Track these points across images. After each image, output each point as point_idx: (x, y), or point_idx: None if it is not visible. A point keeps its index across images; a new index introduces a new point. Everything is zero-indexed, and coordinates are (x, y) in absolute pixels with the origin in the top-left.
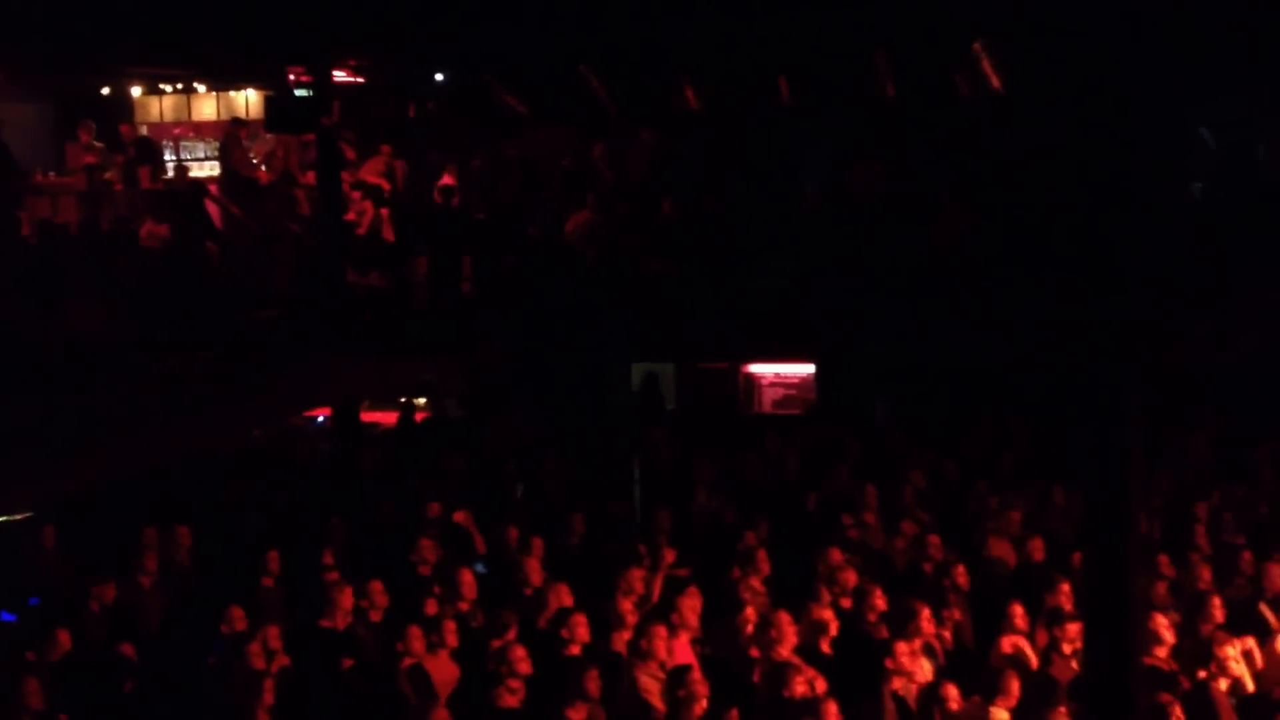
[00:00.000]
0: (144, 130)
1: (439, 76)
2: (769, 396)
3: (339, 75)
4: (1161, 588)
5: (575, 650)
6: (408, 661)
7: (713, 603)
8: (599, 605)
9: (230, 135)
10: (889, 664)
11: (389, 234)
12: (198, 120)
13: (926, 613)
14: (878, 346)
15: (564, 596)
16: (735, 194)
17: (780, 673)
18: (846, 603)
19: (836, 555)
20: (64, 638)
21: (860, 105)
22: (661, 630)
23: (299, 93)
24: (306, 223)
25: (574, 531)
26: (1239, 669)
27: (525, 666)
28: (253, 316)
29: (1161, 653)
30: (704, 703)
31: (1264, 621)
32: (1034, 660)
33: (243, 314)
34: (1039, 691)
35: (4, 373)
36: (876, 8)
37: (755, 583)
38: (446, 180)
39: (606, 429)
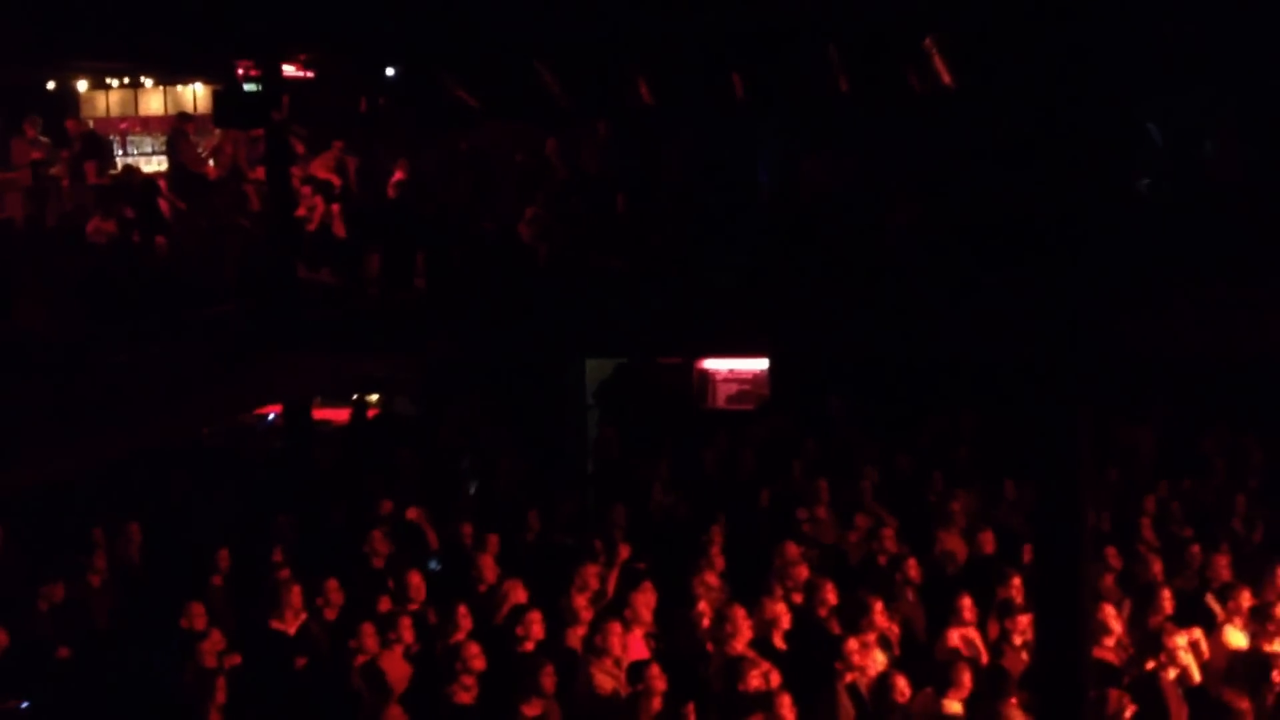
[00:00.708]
0: (90, 125)
1: (390, 71)
2: (723, 392)
3: (288, 69)
4: (1109, 579)
5: (529, 647)
6: (361, 659)
7: (668, 598)
8: (554, 601)
9: (178, 130)
10: (842, 658)
11: (340, 230)
12: (145, 115)
13: (879, 606)
14: (832, 342)
15: (518, 593)
16: (689, 189)
17: (735, 667)
18: (799, 597)
19: (791, 550)
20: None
21: (813, 100)
22: (616, 626)
23: (248, 87)
24: (256, 218)
25: (529, 528)
26: (1187, 659)
27: (480, 663)
28: (202, 313)
29: (1110, 643)
30: (661, 697)
31: (1210, 613)
32: (983, 652)
33: (192, 310)
34: (990, 683)
35: None
36: (829, 3)
37: (710, 578)
38: (398, 176)
39: (560, 425)
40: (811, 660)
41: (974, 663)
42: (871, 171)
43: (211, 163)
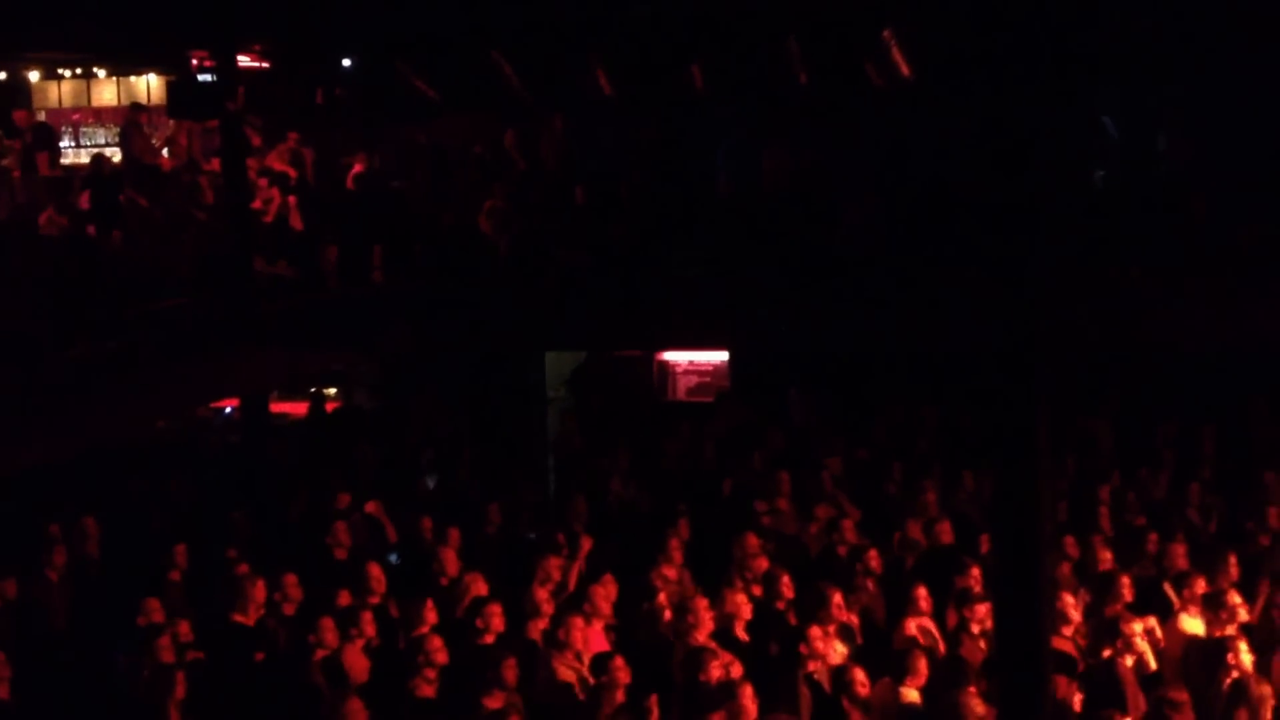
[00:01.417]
0: (42, 116)
1: (347, 61)
2: (683, 384)
3: (243, 60)
4: (1066, 568)
5: (490, 639)
6: (321, 653)
7: (630, 590)
8: (516, 594)
9: (131, 121)
10: (803, 648)
11: (297, 222)
12: (98, 106)
13: (838, 597)
14: (791, 333)
15: (479, 586)
16: (648, 181)
17: (696, 658)
18: (759, 589)
19: (751, 541)
20: None
21: (773, 92)
22: (577, 620)
23: (202, 77)
24: (211, 210)
25: (490, 521)
26: (1143, 647)
27: (442, 657)
28: (157, 306)
29: (1068, 632)
30: (624, 690)
31: (1167, 601)
32: (939, 641)
33: (147, 303)
34: (949, 672)
35: None
36: None
37: (668, 571)
38: (356, 168)
39: (520, 418)
40: (772, 651)
41: (931, 652)
42: (830, 164)
43: (166, 154)
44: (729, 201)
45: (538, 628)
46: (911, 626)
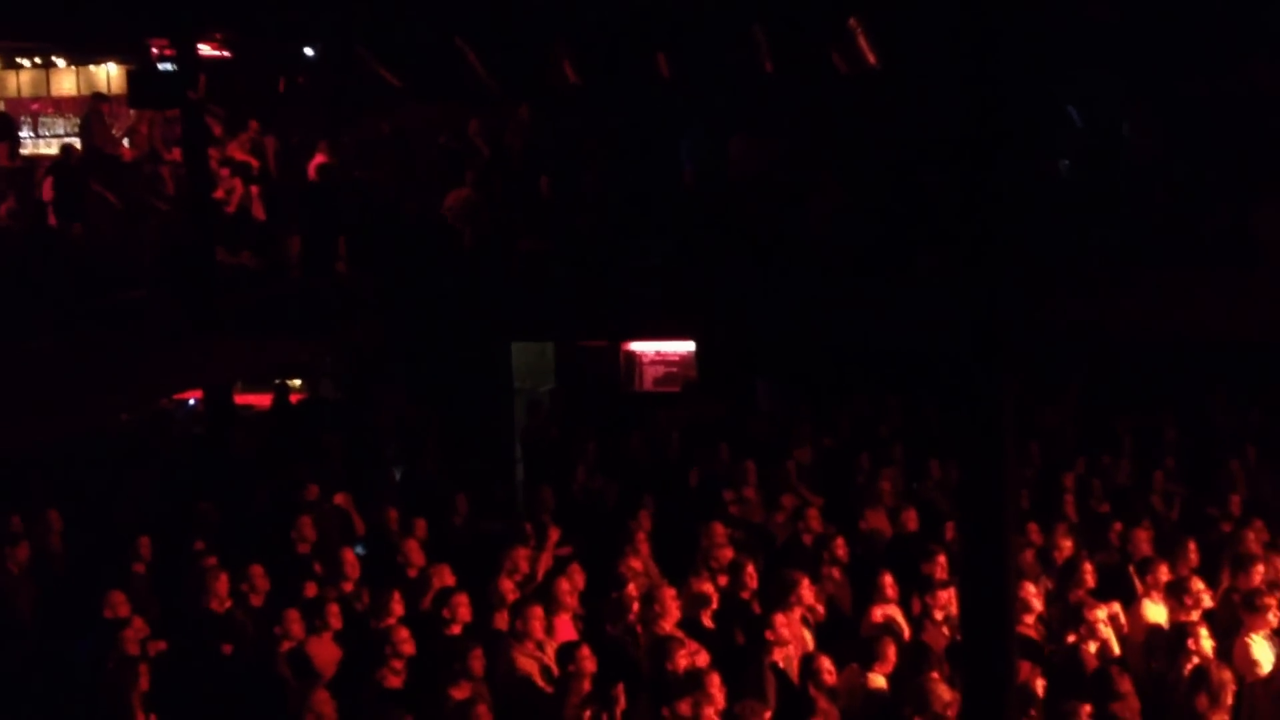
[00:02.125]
0: (1, 106)
1: (309, 49)
2: (650, 374)
3: (204, 48)
4: (1030, 555)
5: (456, 630)
6: (287, 645)
7: (597, 580)
8: (484, 585)
9: (92, 111)
10: (769, 635)
11: (259, 212)
12: (57, 95)
13: (805, 584)
14: (758, 323)
15: (446, 577)
16: (614, 171)
17: (663, 647)
18: (725, 579)
19: (718, 530)
20: None
21: (739, 81)
22: (537, 610)
23: (163, 67)
24: (173, 201)
25: (457, 511)
26: (1106, 633)
27: (409, 647)
28: (119, 297)
29: (1029, 620)
30: (590, 679)
31: (1131, 587)
32: (905, 628)
33: (109, 295)
34: (912, 657)
35: None
36: None
37: (635, 562)
38: (319, 157)
39: (487, 408)
40: (739, 639)
41: (898, 638)
42: (796, 154)
43: (126, 144)
44: (695, 191)
45: (504, 619)
46: (878, 613)
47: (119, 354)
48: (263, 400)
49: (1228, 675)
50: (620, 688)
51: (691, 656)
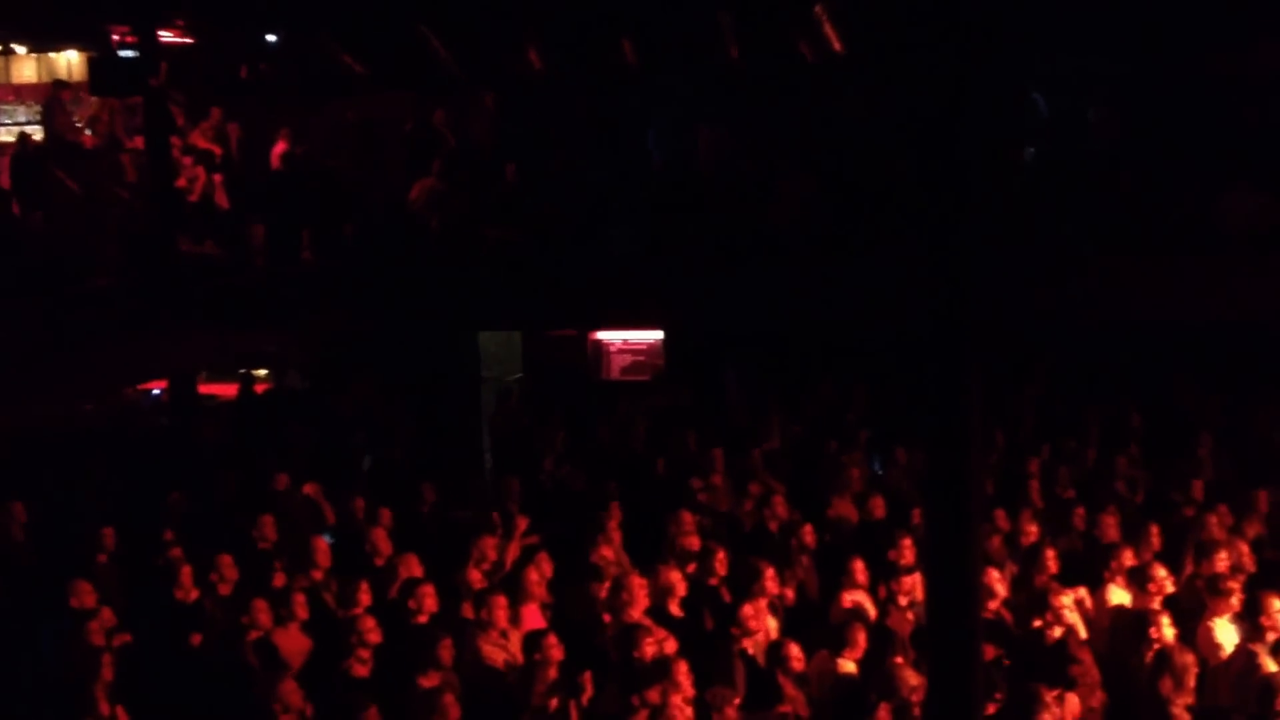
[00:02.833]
0: None
1: (271, 36)
2: (618, 363)
3: (166, 35)
4: (997, 541)
5: (423, 620)
6: (254, 635)
7: (565, 568)
8: (452, 574)
9: (52, 98)
10: (737, 624)
11: (223, 200)
12: (18, 83)
13: (771, 572)
14: (725, 312)
15: (413, 567)
16: (581, 159)
17: (630, 635)
18: (693, 566)
19: (686, 518)
20: None
21: (705, 68)
22: (501, 599)
23: (124, 54)
24: (135, 189)
25: (425, 500)
26: (1071, 617)
27: (375, 637)
28: (81, 286)
29: (994, 606)
30: (557, 667)
31: (1096, 572)
32: (874, 614)
33: (71, 284)
34: (879, 642)
35: None
36: None
37: (606, 550)
38: (282, 145)
39: (454, 398)
40: (707, 626)
41: (867, 624)
42: (764, 141)
43: (88, 132)
44: (662, 179)
45: (472, 608)
46: (848, 600)
47: (81, 344)
48: (228, 390)
49: (1190, 659)
50: (587, 676)
51: (659, 644)
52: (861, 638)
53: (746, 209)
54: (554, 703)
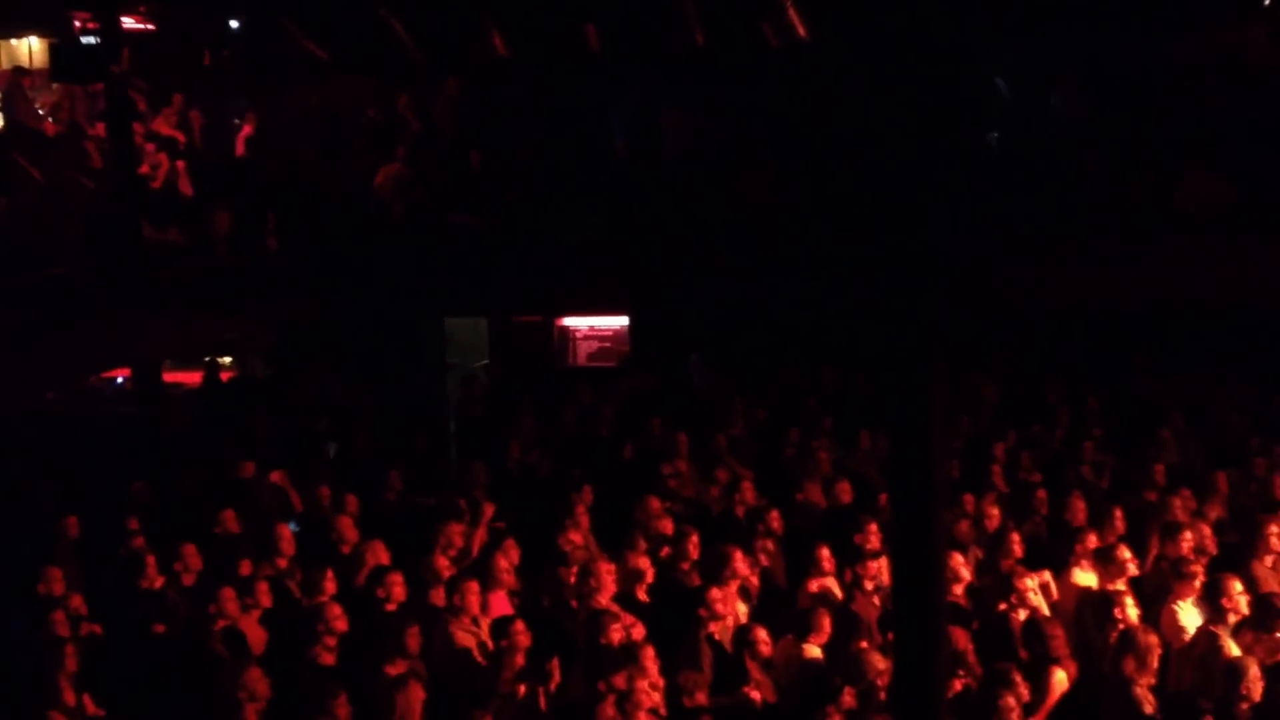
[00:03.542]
0: None
1: (234, 22)
2: (584, 349)
3: (128, 21)
4: (964, 525)
5: (391, 608)
6: (221, 623)
7: (532, 554)
8: (418, 561)
9: (13, 85)
10: (704, 609)
11: (186, 187)
12: None
13: (740, 556)
14: (691, 297)
15: (380, 554)
16: (545, 145)
17: (598, 620)
18: (666, 550)
19: (653, 504)
20: None
21: (669, 53)
22: (473, 584)
23: (85, 40)
24: (98, 176)
25: (390, 488)
26: (1036, 600)
27: (341, 624)
28: (44, 274)
29: (958, 590)
30: (524, 653)
31: (1061, 555)
32: (840, 599)
33: (34, 271)
34: (844, 627)
35: None
36: None
37: (575, 536)
38: (246, 131)
39: (420, 384)
40: (674, 612)
41: (834, 609)
42: (728, 127)
43: (49, 119)
44: (628, 165)
45: (440, 595)
46: (815, 585)
47: (45, 332)
48: (193, 378)
49: (1154, 639)
50: (555, 662)
51: (626, 630)
52: (827, 623)
53: (711, 195)
54: (522, 689)
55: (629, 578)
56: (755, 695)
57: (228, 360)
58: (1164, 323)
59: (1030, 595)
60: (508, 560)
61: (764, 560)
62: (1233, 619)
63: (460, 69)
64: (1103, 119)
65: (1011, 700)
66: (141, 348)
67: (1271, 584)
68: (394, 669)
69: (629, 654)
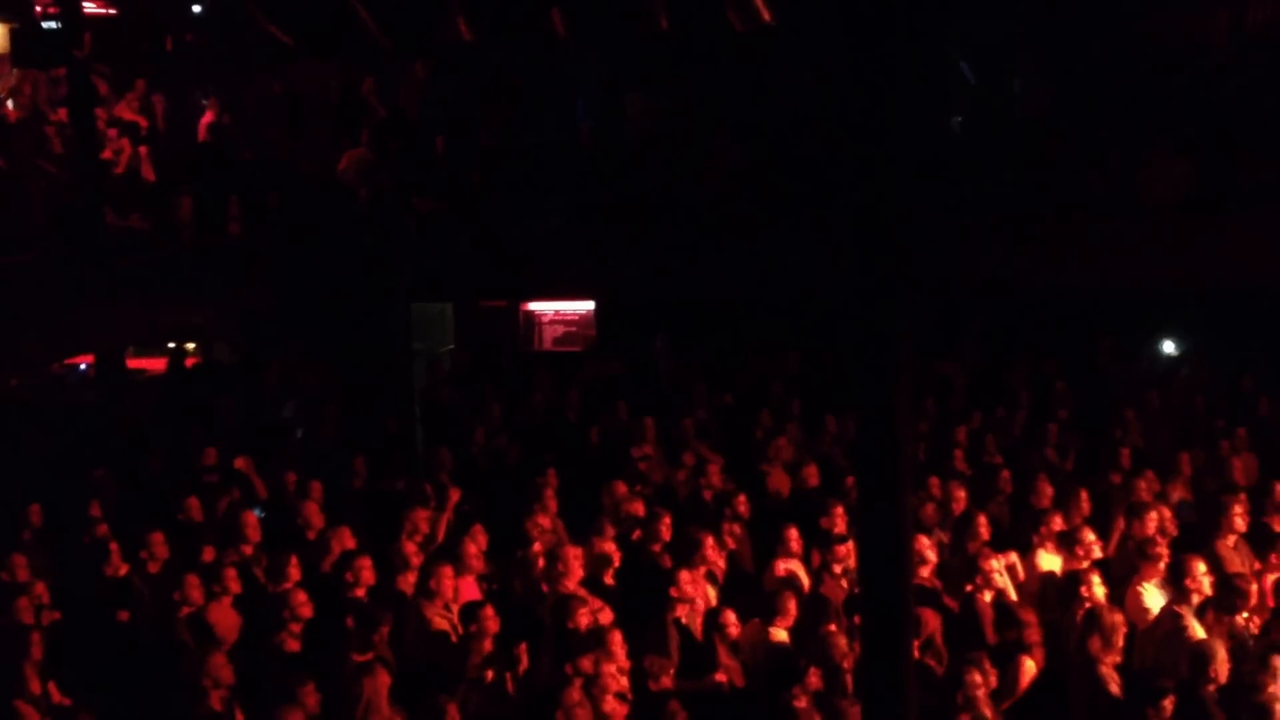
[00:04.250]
0: None
1: (196, 6)
2: (549, 334)
3: (89, 6)
4: (930, 509)
5: (360, 594)
6: (186, 610)
7: (500, 539)
8: (384, 547)
9: None
10: (672, 592)
11: (149, 173)
12: None
13: (708, 540)
14: (656, 282)
15: (346, 540)
16: (510, 129)
17: (565, 605)
18: (638, 533)
19: (620, 488)
20: None
21: (634, 38)
22: (447, 569)
23: (47, 25)
24: (60, 162)
25: (356, 474)
26: (1003, 581)
27: (307, 611)
28: (6, 260)
29: (925, 573)
30: (493, 639)
31: (1026, 537)
32: (807, 583)
33: None
34: (812, 610)
35: None
36: None
37: (543, 520)
38: (209, 116)
39: (386, 370)
40: (642, 596)
41: (799, 592)
42: (693, 111)
43: (10, 104)
44: (592, 149)
45: (408, 580)
46: (781, 568)
47: (7, 318)
48: (157, 365)
49: (1119, 618)
50: (523, 647)
51: (594, 614)
52: (793, 606)
53: (675, 178)
54: (490, 674)
55: (596, 562)
56: (722, 679)
57: (191, 346)
58: (1127, 303)
59: (996, 577)
60: (476, 546)
61: (730, 543)
62: (1196, 599)
63: (425, 53)
64: (1066, 103)
65: (978, 677)
66: (104, 334)
67: (1235, 565)
68: (360, 656)
69: (596, 638)
